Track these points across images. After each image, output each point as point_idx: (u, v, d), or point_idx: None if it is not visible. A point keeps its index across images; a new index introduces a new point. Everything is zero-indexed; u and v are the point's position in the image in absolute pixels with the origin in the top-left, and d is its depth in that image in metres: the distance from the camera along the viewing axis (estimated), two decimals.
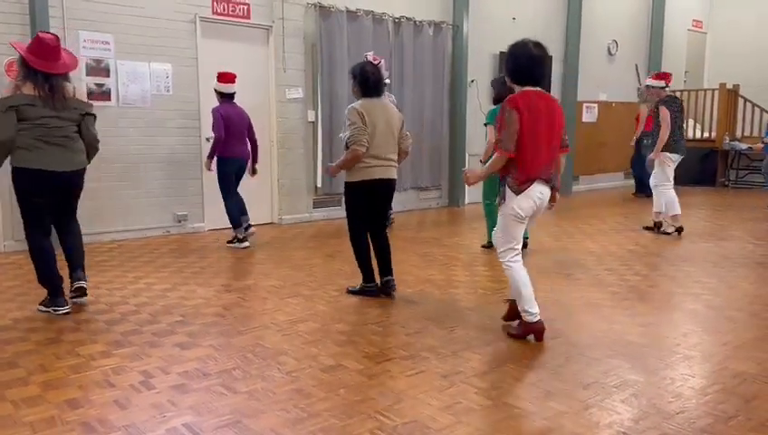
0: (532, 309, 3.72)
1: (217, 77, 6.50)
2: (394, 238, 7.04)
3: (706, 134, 12.37)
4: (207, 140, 7.31)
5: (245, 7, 7.52)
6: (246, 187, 6.74)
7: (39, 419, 2.77)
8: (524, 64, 3.65)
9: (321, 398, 2.99)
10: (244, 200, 6.59)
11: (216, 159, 6.42)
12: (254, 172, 6.72)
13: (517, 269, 3.75)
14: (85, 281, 4.43)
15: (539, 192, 3.66)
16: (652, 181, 7.19)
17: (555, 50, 10.90)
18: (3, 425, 2.72)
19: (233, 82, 6.44)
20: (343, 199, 4.87)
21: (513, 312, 3.93)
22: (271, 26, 7.72)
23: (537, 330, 3.74)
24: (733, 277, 5.32)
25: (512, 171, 3.64)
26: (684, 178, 8.50)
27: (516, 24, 10.27)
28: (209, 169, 6.53)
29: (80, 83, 6.44)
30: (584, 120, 11.57)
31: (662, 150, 6.94)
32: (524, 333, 3.77)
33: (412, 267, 5.68)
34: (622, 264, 5.80)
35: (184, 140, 7.21)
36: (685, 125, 7.32)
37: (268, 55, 7.77)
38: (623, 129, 11.40)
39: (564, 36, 11.11)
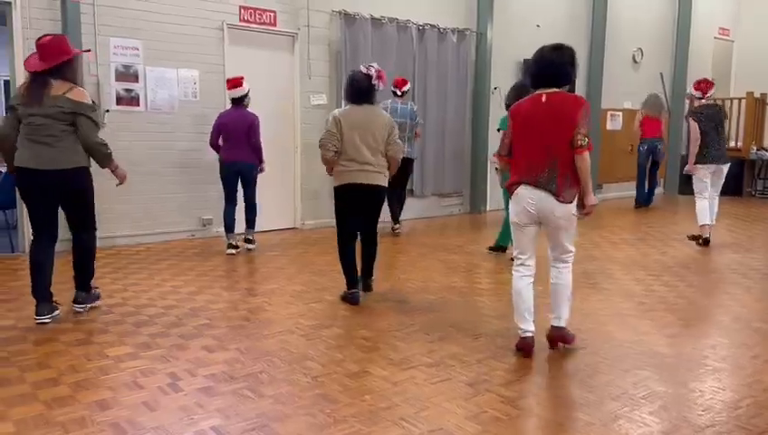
0: (519, 324, 3.66)
1: (225, 82, 6.59)
2: (416, 245, 7.09)
3: (733, 144, 12.19)
4: None
5: (272, 15, 7.60)
6: (269, 192, 6.78)
7: (70, 419, 2.82)
8: (533, 68, 3.65)
9: (347, 404, 3.00)
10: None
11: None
12: (260, 170, 6.66)
13: (515, 280, 3.69)
14: (81, 305, 4.36)
15: (528, 197, 3.54)
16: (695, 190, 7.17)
17: (579, 57, 10.60)
18: (36, 425, 2.77)
19: (237, 86, 6.42)
20: None
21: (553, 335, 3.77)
22: (296, 33, 7.78)
23: (521, 346, 3.65)
24: (760, 289, 5.23)
25: None
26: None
27: (540, 31, 10.22)
28: None
29: (110, 89, 6.59)
30: (608, 127, 11.48)
31: (694, 162, 6.92)
32: (516, 346, 3.70)
33: (435, 274, 5.67)
34: (649, 274, 5.73)
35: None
36: (723, 132, 7.03)
37: (293, 62, 7.84)
38: None
39: (589, 44, 11.04)
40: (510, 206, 3.70)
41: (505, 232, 6.12)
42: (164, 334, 3.98)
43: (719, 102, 7.29)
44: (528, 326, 3.64)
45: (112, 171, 4.32)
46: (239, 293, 5.01)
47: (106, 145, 4.19)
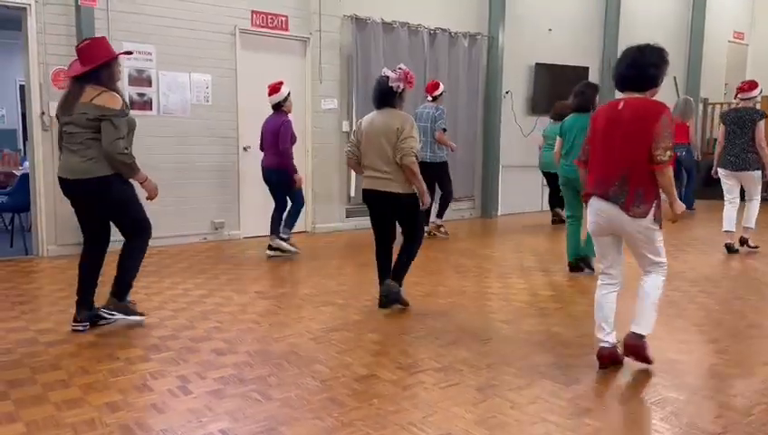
0: (596, 334, 3.51)
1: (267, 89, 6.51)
2: (426, 249, 7.04)
3: None
4: (245, 149, 7.45)
5: (284, 19, 7.64)
6: None
7: (80, 420, 2.84)
8: (614, 69, 3.48)
9: (355, 407, 2.99)
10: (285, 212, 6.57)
11: None
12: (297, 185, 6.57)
13: (597, 289, 3.54)
14: (107, 311, 4.16)
15: (597, 208, 3.42)
16: None
17: (592, 61, 10.80)
18: (46, 426, 2.79)
19: (272, 93, 6.36)
20: None
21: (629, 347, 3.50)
22: (308, 38, 7.82)
23: (597, 355, 3.49)
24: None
25: None
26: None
27: (552, 35, 10.22)
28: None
29: (123, 93, 6.63)
30: None
31: (717, 165, 6.86)
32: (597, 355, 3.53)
33: (445, 278, 5.66)
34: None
35: (222, 149, 7.34)
36: (745, 137, 6.65)
37: (305, 66, 7.88)
38: None
39: (601, 48, 10.99)
40: (587, 215, 3.56)
41: (572, 245, 5.99)
42: (174, 337, 4.00)
43: (755, 106, 6.91)
44: (604, 336, 3.47)
45: (141, 184, 4.11)
46: (250, 296, 5.03)
47: (127, 154, 3.94)
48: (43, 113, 6.33)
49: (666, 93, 11.80)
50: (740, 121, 6.67)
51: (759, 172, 6.70)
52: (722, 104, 11.96)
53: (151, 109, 6.87)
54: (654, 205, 3.33)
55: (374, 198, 4.61)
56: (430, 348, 3.83)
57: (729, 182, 6.85)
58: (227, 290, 5.19)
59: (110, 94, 3.91)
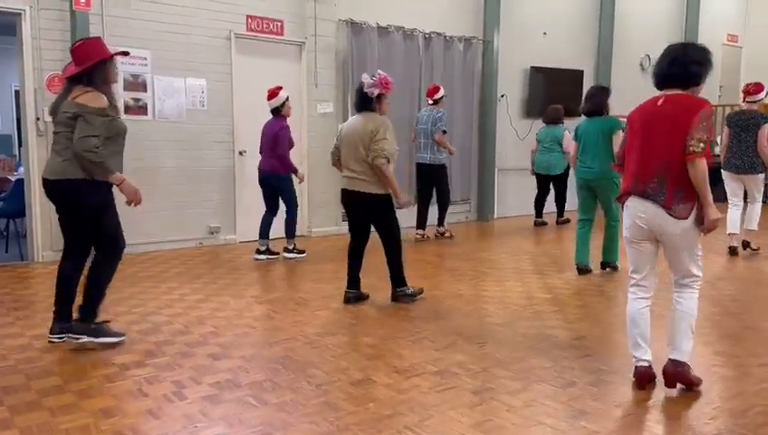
0: (633, 352, 3.32)
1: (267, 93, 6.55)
2: (422, 252, 7.07)
3: None
4: (241, 153, 7.45)
5: (279, 24, 7.65)
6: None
7: (74, 426, 2.83)
8: (656, 66, 3.35)
9: (351, 411, 2.99)
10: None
11: None
12: (300, 179, 6.74)
13: (629, 302, 3.34)
14: (73, 335, 3.84)
15: (638, 210, 3.21)
16: None
17: (586, 65, 10.83)
18: (40, 431, 2.78)
19: (271, 97, 6.41)
20: None
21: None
22: (303, 42, 7.83)
23: (634, 376, 3.31)
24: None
25: None
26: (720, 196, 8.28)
27: (547, 39, 10.25)
28: None
29: (118, 98, 6.60)
30: None
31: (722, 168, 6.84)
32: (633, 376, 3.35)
33: (441, 281, 5.66)
34: (661, 281, 5.67)
35: (218, 153, 7.33)
36: (747, 140, 6.59)
37: (300, 71, 7.88)
38: None
39: (596, 51, 11.02)
40: (623, 219, 3.37)
41: (607, 245, 5.95)
42: (169, 342, 3.99)
43: (757, 109, 6.84)
44: (641, 354, 3.26)
45: (117, 186, 3.81)
46: (245, 301, 5.02)
47: (95, 153, 3.62)
48: (38, 119, 6.31)
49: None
50: (745, 125, 6.63)
51: (762, 175, 6.70)
52: (716, 106, 11.99)
53: (146, 114, 6.86)
54: (696, 206, 3.10)
55: (347, 197, 4.86)
56: (426, 351, 3.82)
57: (733, 184, 6.86)
58: (223, 295, 5.18)
59: (94, 94, 3.73)
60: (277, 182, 6.50)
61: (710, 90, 12.67)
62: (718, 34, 13.21)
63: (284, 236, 6.66)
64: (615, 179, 5.56)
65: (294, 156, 6.85)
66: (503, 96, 9.79)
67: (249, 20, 7.42)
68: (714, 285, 5.59)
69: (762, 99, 6.87)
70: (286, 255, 6.62)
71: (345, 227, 8.27)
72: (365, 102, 4.76)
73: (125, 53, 4.17)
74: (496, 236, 8.66)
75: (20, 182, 6.78)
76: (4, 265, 6.32)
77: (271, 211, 6.61)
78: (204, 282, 5.62)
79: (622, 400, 3.15)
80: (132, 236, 6.75)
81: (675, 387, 3.23)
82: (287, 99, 6.46)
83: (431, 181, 7.80)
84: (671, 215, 3.10)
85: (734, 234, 6.82)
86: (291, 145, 6.50)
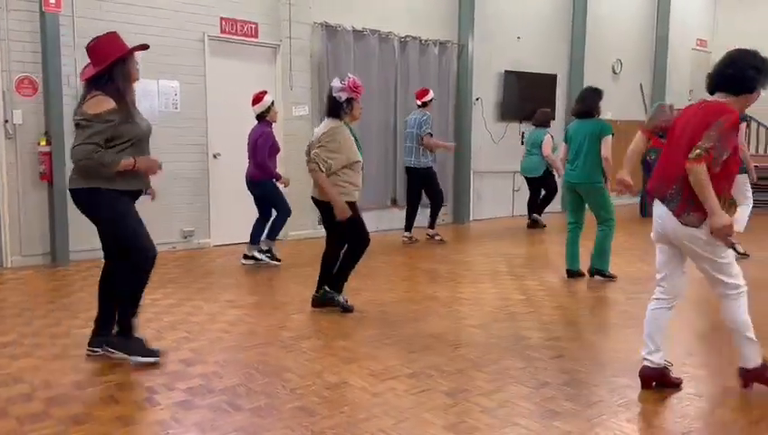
0: (641, 349, 3.37)
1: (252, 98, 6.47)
2: (399, 255, 7.08)
3: None
4: (215, 156, 7.38)
5: (253, 26, 7.61)
6: (252, 203, 6.67)
7: None
8: (712, 70, 3.30)
9: (326, 416, 2.98)
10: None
11: None
12: (284, 184, 6.62)
13: (650, 306, 3.39)
14: (108, 349, 3.69)
15: (656, 213, 3.26)
16: None
17: (559, 69, 10.96)
18: None
19: (255, 103, 6.33)
20: None
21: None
22: (278, 45, 7.80)
23: (639, 374, 3.34)
24: (751, 301, 5.26)
25: None
26: None
27: (521, 43, 10.36)
28: None
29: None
30: None
31: None
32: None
33: (417, 284, 5.68)
34: (635, 284, 5.76)
35: (191, 156, 7.26)
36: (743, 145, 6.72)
37: (275, 73, 7.84)
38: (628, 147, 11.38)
39: (569, 55, 11.17)
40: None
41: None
42: None
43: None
44: (646, 354, 3.30)
45: (132, 169, 3.68)
46: (219, 305, 4.97)
47: (91, 159, 3.42)
48: (6, 121, 6.19)
49: (633, 100, 12.02)
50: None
51: (744, 175, 6.78)
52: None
53: None
54: (706, 217, 3.05)
55: (314, 203, 4.80)
56: (401, 354, 3.83)
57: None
58: (197, 299, 5.13)
59: (97, 99, 3.49)
60: (258, 188, 6.43)
61: (680, 94, 12.92)
62: (688, 39, 13.48)
63: (266, 235, 6.55)
64: (599, 184, 5.59)
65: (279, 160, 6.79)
66: (477, 99, 9.86)
67: (223, 22, 7.37)
68: (693, 287, 5.67)
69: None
70: (257, 254, 6.49)
71: (321, 231, 8.27)
72: (334, 107, 4.61)
73: (145, 47, 3.89)
74: (472, 238, 8.72)
75: None
76: None
77: (263, 217, 6.53)
78: (177, 286, 5.56)
79: (595, 399, 3.18)
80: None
81: (750, 387, 3.29)
82: (272, 104, 6.39)
83: (418, 184, 7.83)
84: (681, 222, 3.11)
85: None
86: (276, 151, 6.42)
